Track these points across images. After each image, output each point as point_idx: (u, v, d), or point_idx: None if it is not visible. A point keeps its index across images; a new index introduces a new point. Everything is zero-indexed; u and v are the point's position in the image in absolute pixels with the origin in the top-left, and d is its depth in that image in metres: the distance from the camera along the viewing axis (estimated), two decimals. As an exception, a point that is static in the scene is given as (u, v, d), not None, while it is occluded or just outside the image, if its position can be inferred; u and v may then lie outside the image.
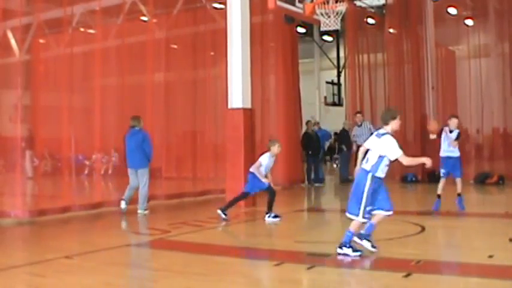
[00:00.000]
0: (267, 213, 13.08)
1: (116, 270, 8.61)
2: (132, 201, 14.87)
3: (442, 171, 14.06)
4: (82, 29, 21.69)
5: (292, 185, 21.45)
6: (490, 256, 8.57)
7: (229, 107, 15.84)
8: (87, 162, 22.52)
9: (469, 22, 24.72)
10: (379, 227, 8.82)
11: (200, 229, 12.25)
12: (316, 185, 21.92)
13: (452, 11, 24.50)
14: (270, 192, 13.11)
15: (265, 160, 13.03)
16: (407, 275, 7.53)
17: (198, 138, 22.11)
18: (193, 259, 9.11)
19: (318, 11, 15.95)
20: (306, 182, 22.24)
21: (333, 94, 36.24)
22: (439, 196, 14.04)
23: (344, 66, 32.99)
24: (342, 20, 23.19)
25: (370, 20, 27.29)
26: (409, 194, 20.40)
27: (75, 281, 7.75)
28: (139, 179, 14.75)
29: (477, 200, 18.57)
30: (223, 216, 13.05)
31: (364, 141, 9.09)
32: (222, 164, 17.13)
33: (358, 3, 26.81)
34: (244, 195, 13.56)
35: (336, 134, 23.82)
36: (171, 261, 9.04)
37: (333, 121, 34.30)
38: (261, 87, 20.57)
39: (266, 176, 13.03)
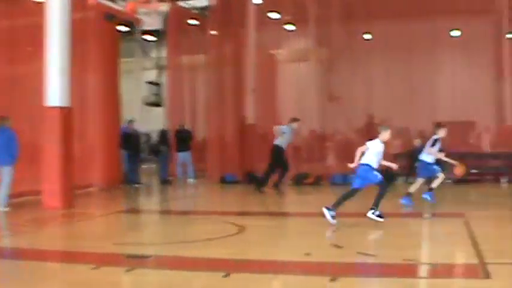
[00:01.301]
0: (371, 209, 12.12)
1: None
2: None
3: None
4: None
5: (111, 186, 20.94)
6: (307, 254, 8.75)
7: (46, 105, 15.24)
8: None
9: (290, 27, 25.31)
10: (199, 227, 8.76)
11: (15, 233, 11.68)
12: (136, 185, 21.56)
13: (274, 15, 24.94)
14: (382, 187, 12.29)
15: (376, 147, 12.17)
16: (227, 275, 7.51)
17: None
18: (8, 265, 8.64)
19: (140, 10, 15.68)
20: (127, 182, 21.78)
21: (154, 94, 35.94)
22: (409, 193, 14.90)
23: (165, 67, 32.79)
24: (164, 19, 23.20)
25: (193, 21, 27.26)
26: (229, 194, 20.55)
27: None
28: (3, 177, 14.51)
29: (295, 200, 19.04)
30: (331, 218, 11.73)
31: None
32: (39, 165, 16.43)
33: (181, 3, 26.69)
34: (354, 191, 12.29)
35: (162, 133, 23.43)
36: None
37: (153, 121, 33.98)
38: (80, 86, 19.94)
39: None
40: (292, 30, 25.45)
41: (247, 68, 24.45)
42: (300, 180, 21.63)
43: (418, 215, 13.66)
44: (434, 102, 23.26)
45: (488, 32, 24.20)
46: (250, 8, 24.43)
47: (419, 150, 21.30)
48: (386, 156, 23.04)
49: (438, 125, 15.09)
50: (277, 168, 19.26)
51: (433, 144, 14.67)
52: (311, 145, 24.00)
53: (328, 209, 11.75)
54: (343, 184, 21.01)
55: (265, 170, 19.36)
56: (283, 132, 18.77)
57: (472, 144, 24.06)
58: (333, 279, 7.20)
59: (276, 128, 19.17)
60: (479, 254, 8.60)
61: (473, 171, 22.06)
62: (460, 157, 22.20)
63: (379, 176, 12.09)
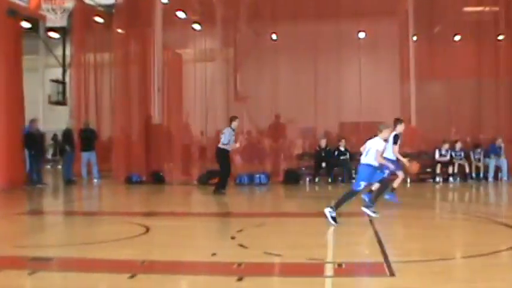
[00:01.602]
0: (367, 206, 12.47)
1: None
2: None
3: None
4: None
5: (13, 187, 20.35)
6: (214, 254, 8.74)
7: None
8: None
9: (197, 26, 25.25)
10: (105, 228, 8.61)
11: None
12: (39, 186, 21.03)
13: (181, 14, 24.84)
14: (383, 184, 12.53)
15: (380, 145, 12.26)
16: (133, 276, 7.42)
17: None
18: None
19: (43, 6, 15.30)
20: (30, 183, 21.19)
21: (58, 93, 35.21)
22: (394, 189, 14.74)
23: (70, 65, 32.18)
24: (69, 16, 22.72)
25: (99, 19, 26.84)
26: (135, 194, 20.35)
27: None
28: None
29: (201, 200, 19.00)
30: (333, 220, 11.59)
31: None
32: None
33: (86, 0, 26.21)
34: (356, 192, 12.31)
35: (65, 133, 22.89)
36: None
37: (58, 120, 33.33)
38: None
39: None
40: (199, 30, 25.41)
41: (153, 67, 24.26)
42: (205, 180, 21.59)
43: (324, 214, 13.81)
44: (340, 103, 23.67)
45: (394, 34, 24.85)
46: (157, 7, 24.29)
47: (326, 150, 21.73)
48: (290, 156, 23.43)
49: (396, 121, 14.93)
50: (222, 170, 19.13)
51: (395, 141, 14.48)
52: (217, 145, 23.95)
53: (331, 208, 11.73)
54: (249, 184, 21.21)
55: (220, 176, 19.21)
56: (224, 141, 18.57)
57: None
58: (239, 279, 7.22)
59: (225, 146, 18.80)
60: (384, 252, 8.79)
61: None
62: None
63: (384, 173, 12.51)
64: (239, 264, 8.06)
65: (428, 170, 22.19)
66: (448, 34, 24.52)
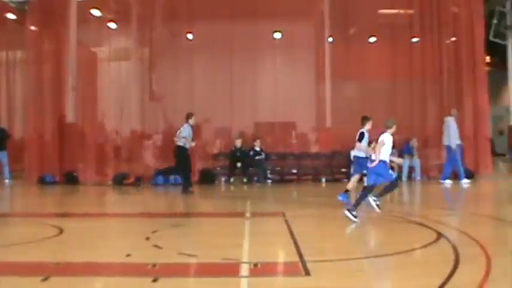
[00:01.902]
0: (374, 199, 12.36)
1: None
2: None
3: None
4: None
5: None
6: (128, 255, 8.69)
7: None
8: None
9: (112, 25, 24.96)
10: (17, 229, 8.44)
11: None
12: None
13: (96, 12, 24.49)
14: (393, 184, 12.25)
15: (389, 141, 12.12)
16: (46, 279, 7.31)
17: None
18: None
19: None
20: None
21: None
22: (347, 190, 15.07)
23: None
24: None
25: (11, 15, 26.23)
26: (47, 195, 19.98)
27: None
28: None
29: (115, 200, 18.83)
30: (353, 218, 11.88)
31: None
32: None
33: (-3, -4, 25.63)
34: (371, 189, 12.34)
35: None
36: None
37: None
38: None
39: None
40: (114, 29, 25.12)
41: (67, 65, 23.85)
42: (120, 181, 21.40)
43: (239, 214, 13.90)
44: (256, 103, 23.81)
45: (309, 34, 25.12)
46: (72, 4, 23.90)
47: (241, 150, 21.81)
48: (206, 156, 23.40)
49: (364, 119, 14.79)
50: (182, 169, 19.00)
51: (360, 139, 14.43)
52: (131, 145, 23.79)
53: (349, 211, 11.94)
54: (164, 184, 21.13)
55: (182, 175, 19.11)
56: (183, 134, 18.40)
57: (293, 145, 24.81)
58: (154, 280, 7.21)
59: (180, 140, 18.63)
60: (299, 252, 8.89)
61: (294, 171, 22.84)
62: (281, 158, 23.04)
63: (394, 174, 12.47)
64: (154, 265, 8.04)
65: (344, 170, 22.58)
66: (363, 35, 25.01)
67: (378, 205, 12.30)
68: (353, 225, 11.63)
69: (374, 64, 24.35)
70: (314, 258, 8.40)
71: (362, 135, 14.37)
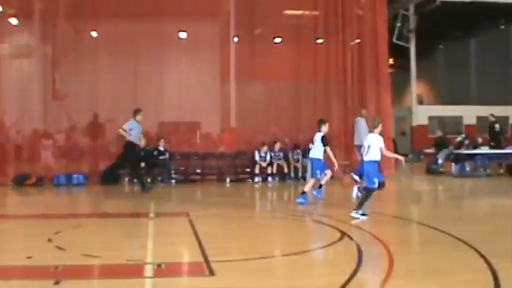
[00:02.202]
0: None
1: None
2: None
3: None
4: None
5: None
6: (29, 257, 8.50)
7: None
8: None
9: (14, 21, 24.31)
10: None
11: None
12: None
13: (-3, 7, 23.82)
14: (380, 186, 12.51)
15: (380, 141, 12.22)
16: None
17: None
18: None
19: None
20: None
21: None
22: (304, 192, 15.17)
23: None
24: None
25: None
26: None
27: None
28: None
29: (15, 201, 18.38)
30: (363, 217, 12.03)
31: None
32: None
33: None
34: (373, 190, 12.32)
35: None
36: None
37: None
38: None
39: None
40: (16, 25, 24.48)
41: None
42: (20, 181, 20.86)
43: (143, 215, 13.79)
44: (160, 103, 23.63)
45: (215, 34, 25.11)
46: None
47: (145, 150, 21.62)
48: (110, 156, 23.08)
49: (321, 122, 15.21)
50: (130, 165, 19.12)
51: (324, 143, 14.81)
52: (33, 144, 23.19)
53: (356, 211, 12.06)
54: (67, 184, 20.74)
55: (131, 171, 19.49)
56: (130, 129, 18.12)
57: (197, 145, 24.77)
58: (56, 283, 7.09)
59: (121, 130, 18.37)
60: (203, 252, 8.90)
61: (198, 171, 22.80)
62: (185, 157, 22.96)
63: (378, 181, 12.38)
64: (56, 267, 7.90)
65: (248, 170, 22.71)
66: (268, 36, 25.25)
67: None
68: (258, 225, 11.69)
69: (279, 64, 24.60)
70: (219, 258, 8.42)
71: (324, 138, 14.84)
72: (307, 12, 24.66)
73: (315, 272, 7.88)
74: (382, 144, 12.23)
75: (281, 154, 22.62)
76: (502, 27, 43.24)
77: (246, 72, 24.47)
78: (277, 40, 25.83)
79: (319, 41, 24.60)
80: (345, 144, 23.67)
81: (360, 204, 12.23)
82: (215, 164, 23.32)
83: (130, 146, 18.30)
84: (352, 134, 22.41)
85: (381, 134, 12.44)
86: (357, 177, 13.85)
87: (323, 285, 7.26)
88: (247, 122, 24.33)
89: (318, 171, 15.00)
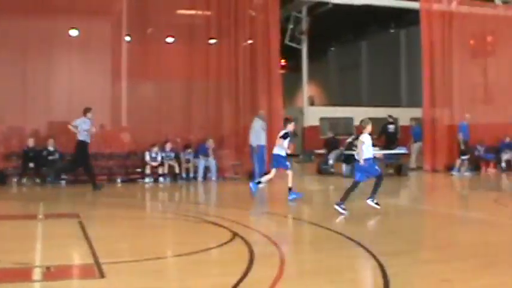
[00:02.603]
0: (370, 198, 13.21)
1: None
2: None
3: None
4: None
5: None
6: None
7: None
8: None
9: None
10: None
11: None
12: None
13: None
14: (379, 178, 13.10)
15: (369, 140, 12.88)
16: None
17: None
18: None
19: None
20: None
21: None
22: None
23: None
24: None
25: None
26: None
27: None
28: None
29: None
30: (343, 211, 12.68)
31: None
32: None
33: None
34: (357, 184, 13.11)
35: None
36: None
37: None
38: None
39: None
40: None
41: None
42: None
43: (31, 216, 13.45)
44: (50, 102, 23.10)
45: (107, 33, 24.74)
46: None
47: (34, 150, 21.12)
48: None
49: (286, 121, 15.93)
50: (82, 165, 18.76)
51: (285, 137, 15.36)
52: None
53: (338, 204, 12.75)
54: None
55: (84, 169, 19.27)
56: (82, 127, 17.62)
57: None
58: None
59: (72, 126, 17.84)
60: (94, 253, 8.79)
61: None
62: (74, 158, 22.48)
63: (379, 170, 13.34)
64: None
65: (139, 170, 22.55)
66: (161, 35, 25.08)
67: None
68: (160, 225, 11.63)
69: (171, 64, 24.51)
70: (109, 259, 8.35)
71: (287, 134, 15.55)
72: (200, 12, 24.64)
73: (207, 273, 7.90)
74: (370, 143, 13.00)
75: (172, 154, 22.55)
76: (392, 31, 44.66)
77: (137, 71, 24.22)
78: (170, 40, 25.71)
79: (212, 41, 24.68)
80: (235, 145, 23.84)
81: (344, 198, 12.90)
82: (105, 164, 22.98)
83: (84, 145, 18.07)
84: (244, 135, 22.63)
85: (370, 133, 13.20)
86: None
87: (215, 286, 7.30)
88: (138, 121, 24.10)
89: (288, 164, 15.77)
